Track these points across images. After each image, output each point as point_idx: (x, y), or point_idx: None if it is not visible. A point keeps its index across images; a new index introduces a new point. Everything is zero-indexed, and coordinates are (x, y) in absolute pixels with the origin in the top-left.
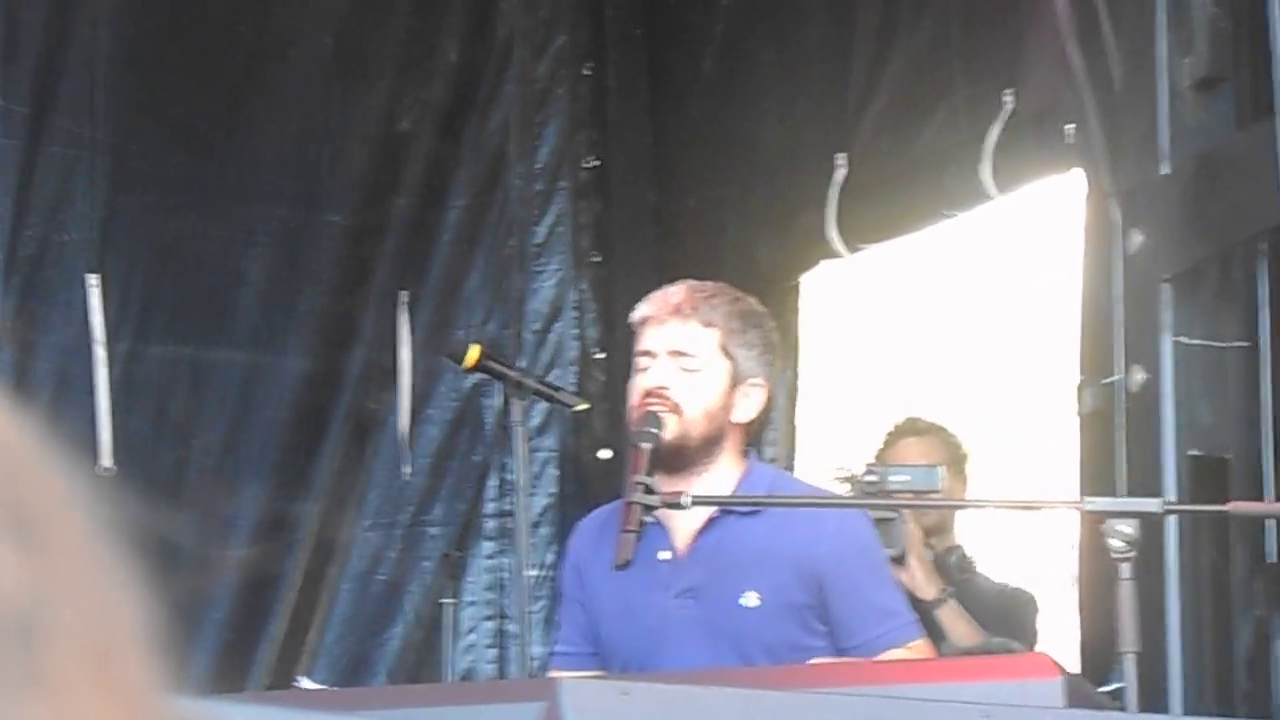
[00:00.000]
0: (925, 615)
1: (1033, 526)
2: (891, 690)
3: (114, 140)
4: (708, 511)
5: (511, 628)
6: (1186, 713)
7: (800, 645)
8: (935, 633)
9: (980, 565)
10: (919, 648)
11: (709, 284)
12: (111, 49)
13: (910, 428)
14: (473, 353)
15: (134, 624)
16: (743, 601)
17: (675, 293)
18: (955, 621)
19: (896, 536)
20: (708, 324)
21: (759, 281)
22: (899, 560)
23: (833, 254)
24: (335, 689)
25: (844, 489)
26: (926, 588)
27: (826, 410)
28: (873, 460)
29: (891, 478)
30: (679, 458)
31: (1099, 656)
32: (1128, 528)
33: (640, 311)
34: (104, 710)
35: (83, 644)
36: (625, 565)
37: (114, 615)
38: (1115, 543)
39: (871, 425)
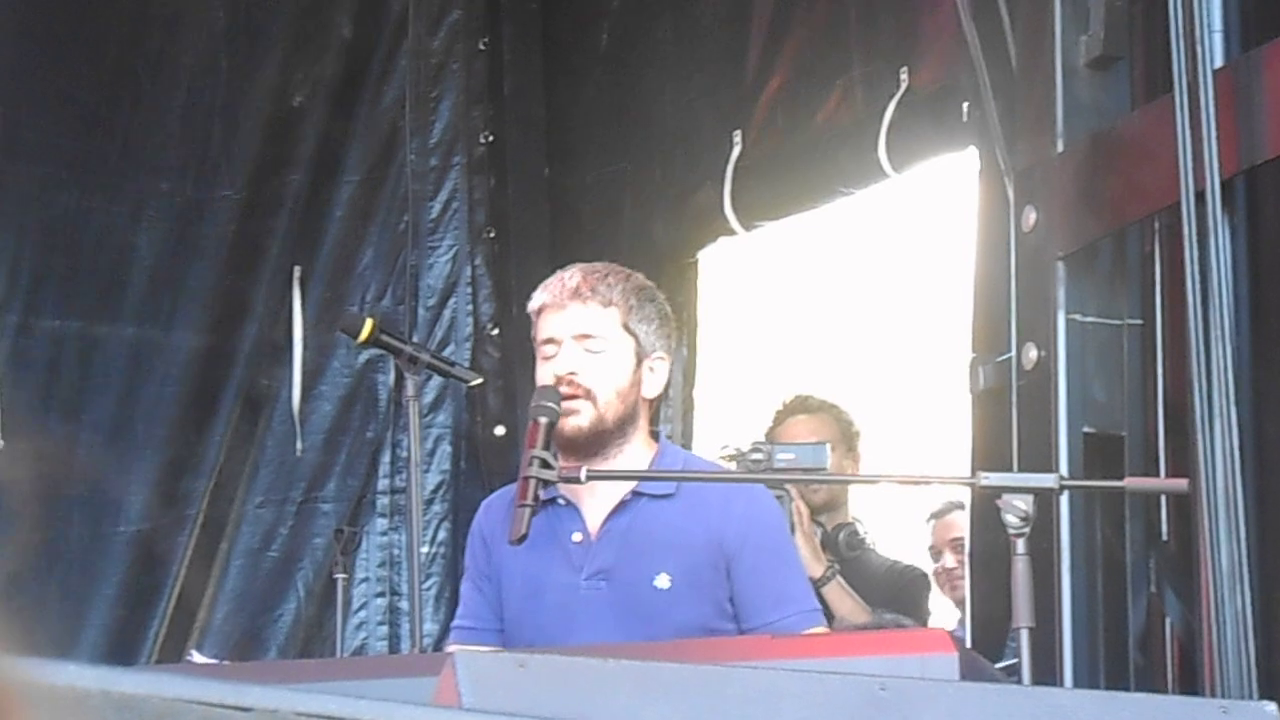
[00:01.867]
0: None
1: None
2: (787, 664)
3: (2, 112)
4: (620, 494)
5: (403, 604)
6: (1079, 688)
7: (712, 628)
8: (824, 611)
9: (877, 543)
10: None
11: (599, 264)
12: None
13: (800, 405)
14: (367, 327)
15: None
16: (655, 583)
17: (570, 276)
18: (841, 599)
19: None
20: (608, 304)
21: (656, 258)
22: None
23: (729, 231)
24: (228, 663)
25: (731, 467)
26: (812, 565)
27: (723, 387)
28: (762, 438)
29: (778, 455)
30: (596, 442)
31: (990, 632)
32: (1023, 503)
33: (538, 299)
34: None
35: None
36: (521, 540)
37: None
38: (1011, 518)
39: (767, 402)
